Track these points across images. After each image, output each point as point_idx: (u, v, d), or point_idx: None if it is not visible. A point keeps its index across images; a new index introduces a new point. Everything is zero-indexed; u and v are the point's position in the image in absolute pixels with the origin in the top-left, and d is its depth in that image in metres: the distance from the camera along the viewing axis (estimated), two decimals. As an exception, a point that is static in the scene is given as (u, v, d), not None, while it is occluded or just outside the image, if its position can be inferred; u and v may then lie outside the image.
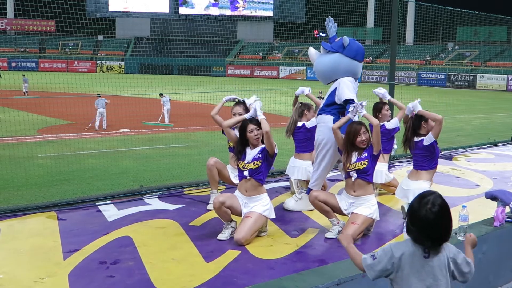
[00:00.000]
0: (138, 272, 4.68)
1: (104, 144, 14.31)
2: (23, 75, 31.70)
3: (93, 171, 10.77)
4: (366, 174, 5.61)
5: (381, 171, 7.35)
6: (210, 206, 6.60)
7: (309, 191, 6.37)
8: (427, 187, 6.01)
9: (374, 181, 6.30)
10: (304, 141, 7.17)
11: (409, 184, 6.23)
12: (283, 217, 6.42)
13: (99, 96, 18.81)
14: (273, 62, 65.85)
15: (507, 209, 5.72)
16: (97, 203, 6.89)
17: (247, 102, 6.39)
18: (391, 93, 9.91)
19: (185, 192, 7.57)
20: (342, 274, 4.23)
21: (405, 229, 3.12)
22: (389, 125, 7.44)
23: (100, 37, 68.73)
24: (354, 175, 5.60)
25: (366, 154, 5.60)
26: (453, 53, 62.81)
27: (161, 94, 20.62)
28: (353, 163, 5.60)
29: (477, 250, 5.20)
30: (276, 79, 60.85)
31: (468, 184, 8.47)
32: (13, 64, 58.60)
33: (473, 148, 12.34)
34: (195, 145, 13.97)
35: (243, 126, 5.71)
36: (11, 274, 4.64)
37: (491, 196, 5.81)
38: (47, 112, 18.70)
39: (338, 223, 5.76)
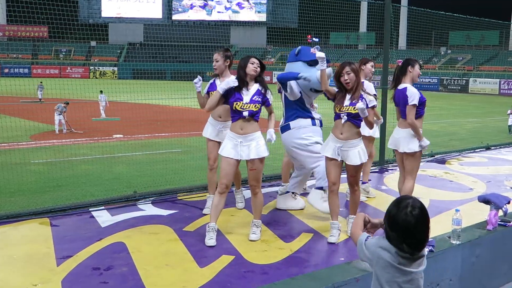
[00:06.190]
0: (131, 278, 4.67)
1: (97, 150, 14.27)
2: (40, 82, 31.66)
3: (86, 177, 10.73)
4: (357, 119, 5.57)
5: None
6: (206, 211, 6.64)
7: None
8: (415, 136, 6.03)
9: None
10: None
11: (399, 132, 6.20)
12: (277, 221, 6.42)
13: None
14: (266, 67, 65.89)
15: (500, 213, 5.75)
16: (90, 209, 6.86)
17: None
18: (384, 97, 9.93)
19: (179, 198, 7.56)
20: (336, 278, 4.23)
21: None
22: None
23: (93, 43, 68.73)
24: (344, 117, 5.55)
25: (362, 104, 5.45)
26: (446, 58, 63.17)
27: (101, 91, 21.66)
28: (346, 106, 5.55)
29: (471, 254, 5.23)
30: (270, 84, 60.54)
31: (461, 188, 8.50)
32: (6, 70, 58.37)
33: (466, 152, 12.38)
34: (189, 150, 13.93)
35: (244, 62, 5.98)
36: (4, 281, 4.61)
37: (484, 200, 5.82)
38: (39, 118, 18.65)
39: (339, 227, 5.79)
